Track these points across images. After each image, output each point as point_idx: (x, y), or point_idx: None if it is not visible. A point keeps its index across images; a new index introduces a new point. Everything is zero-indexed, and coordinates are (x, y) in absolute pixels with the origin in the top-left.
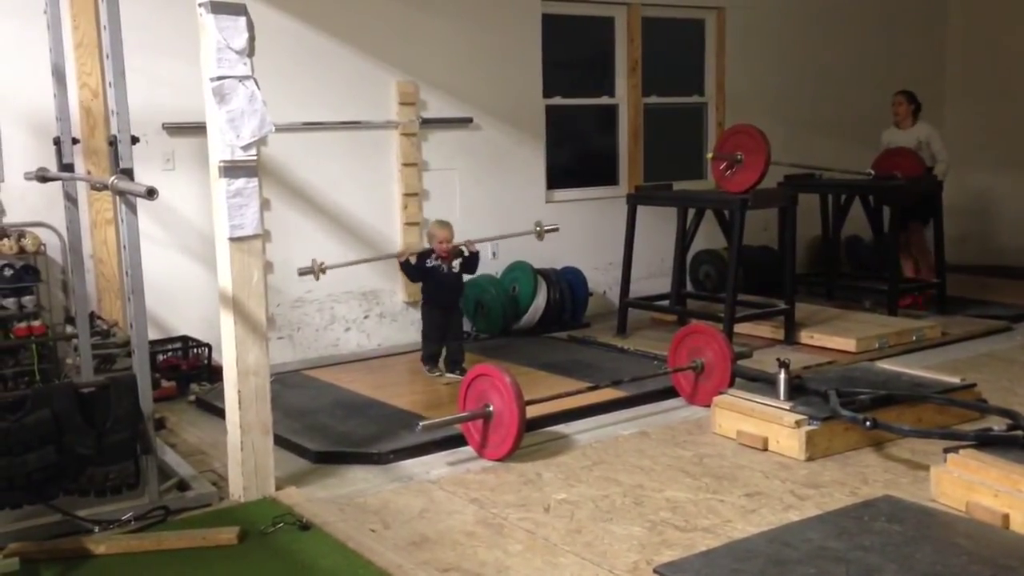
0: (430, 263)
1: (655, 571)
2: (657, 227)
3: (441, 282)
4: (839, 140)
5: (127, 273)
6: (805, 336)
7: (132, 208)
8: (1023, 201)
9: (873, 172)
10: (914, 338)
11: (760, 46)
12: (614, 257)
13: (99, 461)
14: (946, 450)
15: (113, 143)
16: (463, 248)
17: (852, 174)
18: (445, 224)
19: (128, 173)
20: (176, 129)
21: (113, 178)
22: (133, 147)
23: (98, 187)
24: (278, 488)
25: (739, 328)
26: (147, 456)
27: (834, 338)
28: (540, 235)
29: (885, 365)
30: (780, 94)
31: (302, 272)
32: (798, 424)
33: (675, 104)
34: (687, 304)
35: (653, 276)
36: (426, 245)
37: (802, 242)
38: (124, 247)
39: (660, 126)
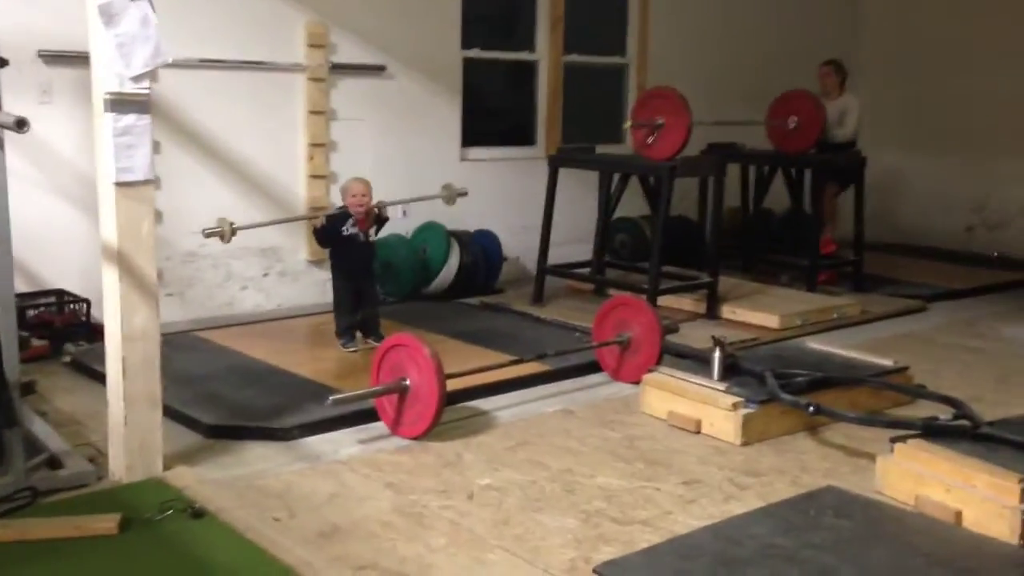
0: (347, 231)
1: (595, 571)
2: (574, 192)
3: (357, 251)
4: (762, 107)
5: None
6: (727, 311)
7: None
8: (927, 181)
9: (770, 121)
10: (835, 316)
11: (686, 7)
12: (528, 220)
13: None
14: (893, 439)
15: None
16: (375, 210)
17: (745, 125)
18: (364, 180)
19: None
20: (54, 58)
21: None
22: (2, 76)
23: None
24: (166, 467)
25: (660, 301)
26: (11, 429)
27: (757, 313)
28: (450, 199)
29: (814, 344)
30: (704, 60)
31: (209, 233)
32: (735, 407)
33: (595, 64)
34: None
35: (569, 243)
36: (337, 204)
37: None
38: None
39: (579, 86)
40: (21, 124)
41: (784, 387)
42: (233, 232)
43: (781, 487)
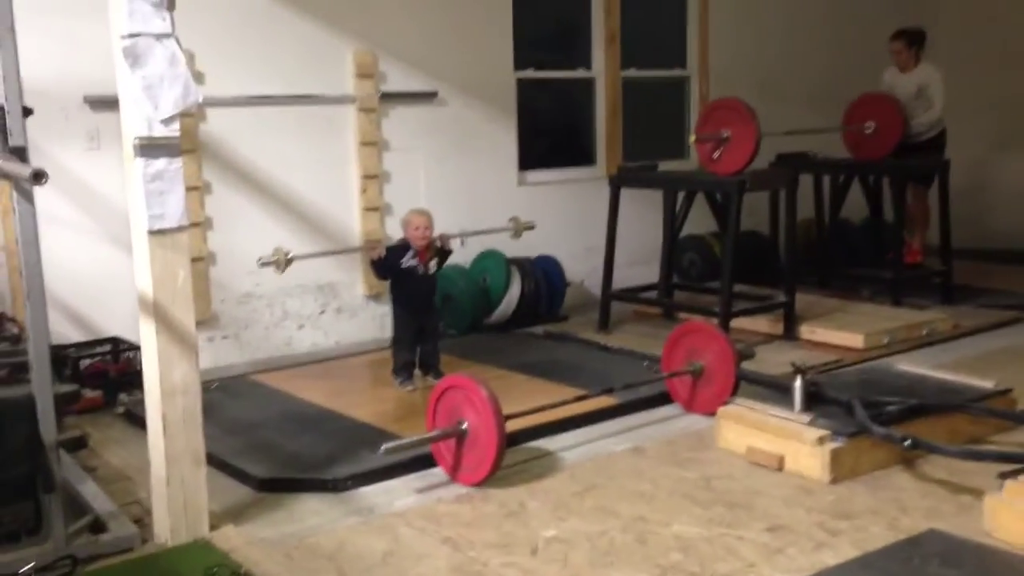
0: (406, 263)
1: None
2: (637, 211)
3: (417, 285)
4: (833, 114)
5: (21, 273)
6: (806, 331)
7: (27, 195)
8: (1013, 178)
9: (846, 126)
10: (924, 332)
11: (746, 14)
12: (590, 243)
13: None
14: (1001, 475)
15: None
16: (438, 242)
17: (819, 132)
18: (424, 212)
19: (19, 152)
20: (100, 102)
21: None
22: (49, 123)
23: None
24: (213, 527)
25: (733, 323)
26: (50, 495)
27: (839, 333)
28: (517, 233)
29: (904, 366)
30: (768, 66)
31: (264, 263)
32: (821, 441)
33: (655, 78)
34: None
35: (634, 264)
36: (391, 237)
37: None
38: (18, 241)
39: (639, 102)
40: (38, 177)
41: (874, 417)
42: (288, 262)
43: (877, 531)
